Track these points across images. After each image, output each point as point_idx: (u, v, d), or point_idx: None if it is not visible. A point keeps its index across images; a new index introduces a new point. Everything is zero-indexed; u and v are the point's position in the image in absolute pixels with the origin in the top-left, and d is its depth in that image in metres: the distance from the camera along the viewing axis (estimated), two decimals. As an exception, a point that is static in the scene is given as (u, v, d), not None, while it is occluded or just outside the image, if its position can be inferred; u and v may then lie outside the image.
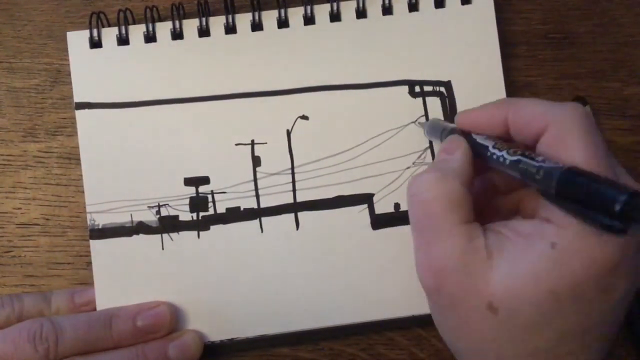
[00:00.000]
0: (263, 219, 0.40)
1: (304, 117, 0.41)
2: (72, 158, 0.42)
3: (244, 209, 0.40)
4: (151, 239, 0.40)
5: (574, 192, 0.28)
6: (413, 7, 0.41)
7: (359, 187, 0.40)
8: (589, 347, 0.30)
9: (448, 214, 0.31)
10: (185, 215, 0.40)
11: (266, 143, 0.41)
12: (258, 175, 0.40)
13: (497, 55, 0.41)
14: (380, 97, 0.41)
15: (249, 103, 0.41)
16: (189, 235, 0.40)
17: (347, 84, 0.41)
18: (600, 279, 0.28)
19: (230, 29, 0.41)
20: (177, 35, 0.41)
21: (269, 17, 0.41)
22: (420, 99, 0.41)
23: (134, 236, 0.40)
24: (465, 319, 0.31)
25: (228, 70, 0.41)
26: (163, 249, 0.40)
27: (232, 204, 0.40)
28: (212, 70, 0.41)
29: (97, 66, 0.41)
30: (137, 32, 0.41)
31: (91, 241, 0.39)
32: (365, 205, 0.40)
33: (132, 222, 0.40)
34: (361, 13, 0.41)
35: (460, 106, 0.41)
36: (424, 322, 0.39)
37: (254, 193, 0.40)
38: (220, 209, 0.40)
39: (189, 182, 0.40)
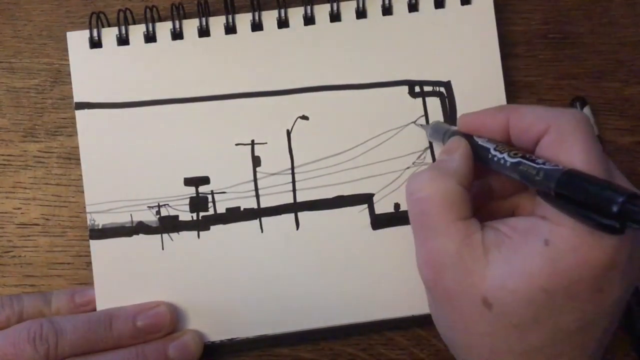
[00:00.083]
0: (263, 219, 0.40)
1: (304, 117, 0.41)
2: (72, 158, 0.42)
3: (244, 209, 0.40)
4: (151, 239, 0.40)
5: (573, 194, 0.28)
6: (413, 7, 0.41)
7: (359, 187, 0.40)
8: (584, 347, 0.30)
9: (443, 211, 0.31)
10: (185, 215, 0.40)
11: (266, 143, 0.41)
12: (258, 175, 0.40)
13: (496, 55, 0.41)
14: (380, 97, 0.41)
15: (249, 103, 0.41)
16: (189, 235, 0.40)
17: (347, 84, 0.41)
18: (593, 278, 0.28)
19: (230, 29, 0.41)
20: (177, 35, 0.41)
21: (269, 17, 0.41)
22: (420, 99, 0.41)
23: (134, 236, 0.40)
24: (460, 314, 0.31)
25: (228, 70, 0.41)
26: (163, 249, 0.40)
27: (232, 204, 0.40)
28: (212, 70, 0.41)
29: (97, 66, 0.41)
30: (137, 32, 0.41)
31: (91, 241, 0.39)
32: (365, 205, 0.40)
33: (132, 222, 0.40)
34: (361, 13, 0.41)
35: (460, 106, 0.41)
36: (423, 322, 0.39)
37: (254, 193, 0.40)
38: (220, 209, 0.40)
39: (189, 182, 0.40)
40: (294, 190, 0.40)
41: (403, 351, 0.41)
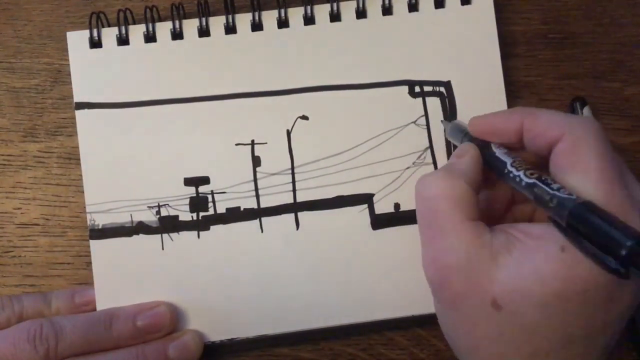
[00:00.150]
0: (263, 219, 0.40)
1: (304, 117, 0.41)
2: (72, 158, 0.42)
3: (244, 209, 0.40)
4: (151, 239, 0.40)
5: (584, 227, 0.28)
6: (413, 7, 0.41)
7: (359, 187, 0.40)
8: (590, 353, 0.30)
9: (453, 211, 0.31)
10: (185, 215, 0.40)
11: (266, 143, 0.41)
12: (258, 175, 0.40)
13: (497, 55, 0.41)
14: (380, 97, 0.41)
15: (249, 103, 0.41)
16: (189, 235, 0.40)
17: (347, 84, 0.41)
18: (607, 287, 0.28)
19: (230, 29, 0.41)
20: (177, 35, 0.41)
21: (269, 17, 0.41)
22: (420, 99, 0.41)
23: (134, 236, 0.40)
24: (467, 315, 0.31)
25: (228, 70, 0.41)
26: (163, 249, 0.40)
27: (232, 204, 0.40)
28: (212, 70, 0.41)
29: (97, 66, 0.41)
30: (137, 32, 0.41)
31: (91, 241, 0.39)
32: (365, 205, 0.40)
33: (132, 222, 0.40)
34: (361, 13, 0.41)
35: (460, 106, 0.41)
36: (423, 322, 0.39)
37: (254, 193, 0.40)
38: (220, 209, 0.40)
39: (189, 182, 0.40)
40: (294, 190, 0.40)
41: (403, 351, 0.41)
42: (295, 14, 0.41)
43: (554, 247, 0.29)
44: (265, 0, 0.41)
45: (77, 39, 0.41)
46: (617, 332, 0.31)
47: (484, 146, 0.35)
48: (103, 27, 0.41)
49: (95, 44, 0.41)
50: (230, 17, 0.41)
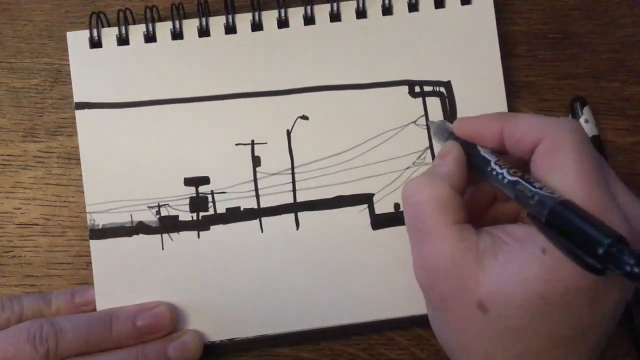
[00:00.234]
0: (263, 219, 0.40)
1: (304, 117, 0.41)
2: (72, 158, 0.42)
3: (244, 209, 0.40)
4: (151, 239, 0.40)
5: (563, 225, 0.28)
6: (413, 7, 0.41)
7: (359, 187, 0.40)
8: (580, 353, 0.30)
9: (438, 215, 0.31)
10: (185, 215, 0.40)
11: (266, 143, 0.41)
12: (258, 175, 0.40)
13: (497, 55, 0.41)
14: (380, 97, 0.41)
15: (249, 103, 0.41)
16: (189, 235, 0.40)
17: (347, 84, 0.41)
18: (589, 288, 0.29)
19: (230, 29, 0.41)
20: (177, 35, 0.41)
21: (269, 17, 0.41)
22: (420, 99, 0.41)
23: (134, 236, 0.40)
24: (456, 317, 0.31)
25: (228, 70, 0.41)
26: (163, 249, 0.40)
27: (232, 204, 0.40)
28: (212, 70, 0.41)
29: (97, 66, 0.41)
30: (137, 32, 0.41)
31: (91, 241, 0.39)
32: (365, 205, 0.40)
33: (132, 222, 0.40)
34: (361, 13, 0.41)
35: (460, 106, 0.41)
36: (423, 322, 0.39)
37: (254, 193, 0.40)
38: (220, 209, 0.40)
39: (189, 182, 0.40)
40: (294, 190, 0.40)
41: (403, 351, 0.41)
42: (295, 14, 0.41)
43: (535, 249, 0.29)
44: (265, 0, 0.41)
45: (77, 39, 0.41)
46: (606, 331, 0.31)
47: (468, 144, 0.35)
48: (103, 27, 0.41)
49: (95, 44, 0.41)
50: (230, 17, 0.41)
